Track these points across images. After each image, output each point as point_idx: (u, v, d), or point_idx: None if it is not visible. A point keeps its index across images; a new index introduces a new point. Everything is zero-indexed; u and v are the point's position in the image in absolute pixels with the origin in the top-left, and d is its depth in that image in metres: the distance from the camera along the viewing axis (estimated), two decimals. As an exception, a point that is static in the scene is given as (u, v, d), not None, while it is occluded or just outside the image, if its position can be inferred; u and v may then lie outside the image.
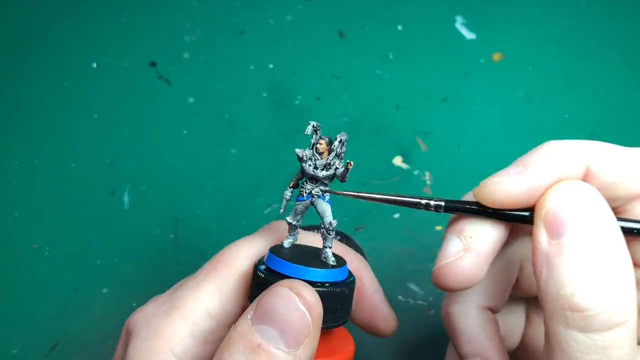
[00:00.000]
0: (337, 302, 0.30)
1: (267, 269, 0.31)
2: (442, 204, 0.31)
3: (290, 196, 0.32)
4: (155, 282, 0.52)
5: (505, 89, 0.63)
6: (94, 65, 0.63)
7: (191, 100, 0.62)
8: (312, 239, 0.36)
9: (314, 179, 0.32)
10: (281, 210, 0.32)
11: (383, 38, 0.65)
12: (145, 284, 0.53)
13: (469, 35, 0.65)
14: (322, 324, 0.28)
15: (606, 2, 0.67)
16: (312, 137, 0.32)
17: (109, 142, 0.59)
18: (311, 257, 0.32)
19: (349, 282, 0.32)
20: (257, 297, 0.28)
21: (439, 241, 0.54)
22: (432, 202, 0.32)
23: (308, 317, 0.27)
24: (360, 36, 0.65)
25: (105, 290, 0.52)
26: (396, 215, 0.55)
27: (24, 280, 0.53)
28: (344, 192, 0.33)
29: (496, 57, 0.64)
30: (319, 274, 0.30)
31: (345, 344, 0.33)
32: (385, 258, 0.52)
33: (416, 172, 0.58)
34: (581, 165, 0.30)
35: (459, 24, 0.66)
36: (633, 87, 0.63)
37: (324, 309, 0.28)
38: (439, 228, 0.55)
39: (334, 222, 0.32)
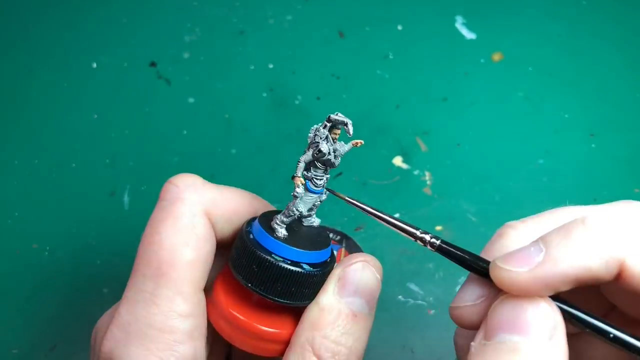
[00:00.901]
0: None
1: (262, 246, 0.32)
2: (437, 242, 0.31)
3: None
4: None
5: (505, 89, 0.63)
6: (94, 65, 0.63)
7: (191, 100, 0.62)
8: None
9: (326, 170, 0.33)
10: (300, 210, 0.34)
11: (383, 38, 0.65)
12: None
13: (469, 35, 0.65)
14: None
15: (606, 2, 0.67)
16: (323, 130, 0.32)
17: (109, 142, 0.59)
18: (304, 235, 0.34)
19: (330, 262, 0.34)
20: (334, 274, 0.32)
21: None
22: (427, 237, 0.31)
23: (380, 283, 0.33)
24: (360, 36, 0.65)
25: (105, 290, 0.52)
26: (396, 215, 0.55)
27: (24, 280, 0.53)
28: (346, 198, 0.33)
29: (496, 57, 0.64)
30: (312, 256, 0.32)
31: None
32: (385, 258, 0.52)
33: (416, 172, 0.58)
34: (613, 266, 0.25)
35: (459, 24, 0.66)
36: (633, 87, 0.63)
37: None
38: (439, 228, 0.55)
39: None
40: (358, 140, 0.32)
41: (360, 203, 0.33)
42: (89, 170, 0.58)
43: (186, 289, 0.32)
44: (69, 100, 0.61)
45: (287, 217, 0.33)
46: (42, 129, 0.60)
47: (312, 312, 0.31)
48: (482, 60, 0.64)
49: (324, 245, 0.33)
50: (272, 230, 0.32)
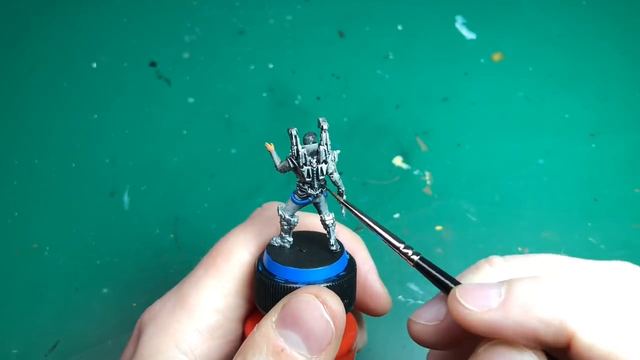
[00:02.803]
0: (341, 293, 0.30)
1: (270, 273, 0.31)
2: (416, 258, 0.30)
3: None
4: (155, 282, 0.52)
5: (505, 89, 0.63)
6: (94, 65, 0.63)
7: (191, 100, 0.62)
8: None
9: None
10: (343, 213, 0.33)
11: (383, 38, 0.65)
12: (145, 284, 0.53)
13: (469, 35, 0.65)
14: None
15: (606, 2, 0.67)
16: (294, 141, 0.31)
17: (109, 142, 0.59)
18: (309, 250, 0.33)
19: (350, 271, 0.32)
20: (281, 301, 0.29)
21: (439, 241, 0.54)
22: (409, 252, 0.30)
23: (332, 326, 0.28)
24: (360, 36, 0.65)
25: (105, 290, 0.52)
26: (396, 215, 0.55)
27: (24, 280, 0.53)
28: (342, 200, 0.33)
29: (496, 57, 0.64)
30: (321, 273, 0.31)
31: (348, 330, 0.33)
32: (385, 258, 0.52)
33: (416, 172, 0.58)
34: (562, 336, 0.24)
35: (459, 24, 0.66)
36: (633, 87, 0.63)
37: None
38: (439, 228, 0.55)
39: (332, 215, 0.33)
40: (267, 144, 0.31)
41: (354, 208, 0.32)
42: (89, 170, 0.58)
43: (229, 286, 0.34)
44: (69, 100, 0.62)
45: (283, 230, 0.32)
46: (42, 129, 0.60)
47: (253, 331, 0.29)
48: (482, 60, 0.64)
49: (337, 256, 0.32)
50: (279, 255, 0.32)
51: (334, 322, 0.28)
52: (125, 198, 0.57)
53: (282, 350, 0.27)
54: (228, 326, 0.34)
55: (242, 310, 0.35)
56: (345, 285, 0.31)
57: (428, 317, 0.29)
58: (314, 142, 0.31)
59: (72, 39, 0.65)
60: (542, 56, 0.64)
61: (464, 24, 0.66)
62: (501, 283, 0.26)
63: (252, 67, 0.63)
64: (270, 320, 0.28)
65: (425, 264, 0.30)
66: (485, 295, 0.25)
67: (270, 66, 0.64)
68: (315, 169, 0.31)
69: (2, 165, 0.58)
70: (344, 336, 0.30)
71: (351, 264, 0.33)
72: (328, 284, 0.30)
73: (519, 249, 0.54)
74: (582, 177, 0.58)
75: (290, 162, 0.31)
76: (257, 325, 0.29)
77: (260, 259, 0.33)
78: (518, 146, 0.60)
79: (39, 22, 0.65)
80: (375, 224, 0.32)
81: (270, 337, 0.27)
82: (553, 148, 0.59)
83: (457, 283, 0.29)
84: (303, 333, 0.28)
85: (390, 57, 0.64)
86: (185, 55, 0.64)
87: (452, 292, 0.27)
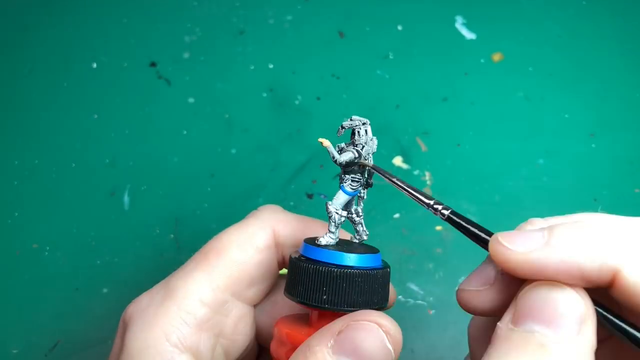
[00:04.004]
0: (380, 284, 0.31)
1: (307, 259, 0.31)
2: (447, 212, 0.31)
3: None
4: (155, 282, 0.52)
5: (505, 89, 0.63)
6: (94, 65, 0.63)
7: (191, 100, 0.62)
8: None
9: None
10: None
11: (383, 38, 0.65)
12: (145, 284, 0.52)
13: (469, 35, 0.65)
14: (370, 307, 0.29)
15: (606, 2, 0.67)
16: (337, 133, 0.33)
17: (109, 142, 0.60)
18: (346, 243, 0.33)
19: (386, 265, 0.33)
20: (336, 324, 0.27)
21: (439, 241, 0.54)
22: (440, 207, 0.31)
23: (392, 355, 0.27)
24: (360, 36, 0.65)
25: (105, 290, 0.52)
26: (396, 215, 0.55)
27: (24, 280, 0.53)
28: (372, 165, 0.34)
29: (496, 57, 0.64)
30: (371, 259, 0.31)
31: None
32: (386, 258, 0.52)
33: (416, 172, 0.58)
34: (607, 273, 0.25)
35: (459, 24, 0.66)
36: (633, 87, 0.63)
37: (370, 292, 0.29)
38: (439, 228, 0.55)
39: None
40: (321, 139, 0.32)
41: (383, 171, 0.33)
42: (89, 170, 0.58)
43: (218, 281, 0.34)
44: (69, 100, 0.62)
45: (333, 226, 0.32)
46: (42, 129, 0.60)
47: (306, 353, 0.27)
48: (482, 60, 0.64)
49: (373, 250, 0.32)
50: (315, 241, 0.32)
51: (394, 350, 0.27)
52: (125, 198, 0.57)
53: None
54: (217, 320, 0.34)
55: (232, 307, 0.35)
56: (382, 280, 0.31)
57: (477, 283, 0.29)
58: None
59: (72, 39, 0.65)
60: (542, 56, 0.64)
61: (464, 24, 0.66)
62: (543, 228, 0.26)
63: (252, 67, 0.63)
64: (325, 345, 0.27)
65: (457, 217, 0.31)
66: (528, 237, 0.26)
67: (270, 66, 0.64)
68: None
69: (2, 165, 0.58)
70: None
71: (385, 263, 0.33)
72: (368, 271, 0.30)
73: (519, 249, 0.54)
74: (582, 177, 0.58)
75: (357, 153, 0.33)
76: (307, 345, 0.27)
77: (298, 252, 0.33)
78: (518, 146, 0.60)
79: (39, 22, 0.65)
80: (403, 183, 0.33)
81: None
82: (553, 148, 0.59)
83: (489, 233, 0.29)
84: None
85: (390, 57, 0.64)
86: (185, 55, 0.64)
87: (493, 237, 0.27)
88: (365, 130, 0.33)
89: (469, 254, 0.52)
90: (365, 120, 0.33)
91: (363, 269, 0.30)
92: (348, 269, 0.29)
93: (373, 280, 0.30)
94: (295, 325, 0.32)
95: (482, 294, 0.29)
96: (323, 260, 0.30)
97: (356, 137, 0.33)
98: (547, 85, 0.63)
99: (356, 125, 0.33)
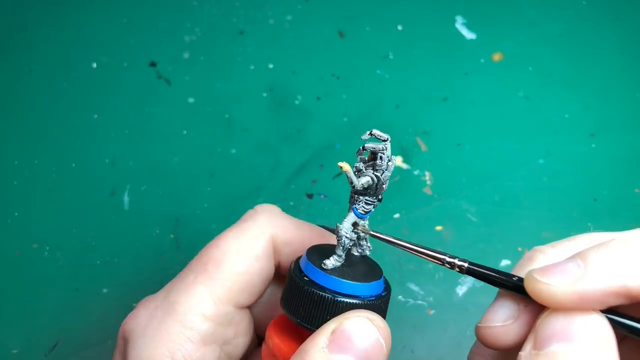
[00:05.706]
0: (382, 310, 0.31)
1: (311, 281, 0.30)
2: (465, 265, 0.30)
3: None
4: (155, 282, 0.52)
5: (505, 89, 0.63)
6: (94, 65, 0.63)
7: (191, 100, 0.62)
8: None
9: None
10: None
11: (383, 38, 0.65)
12: (145, 284, 0.53)
13: (469, 35, 0.65)
14: None
15: (606, 2, 0.67)
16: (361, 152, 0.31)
17: (109, 142, 0.59)
18: (349, 264, 0.32)
19: (389, 291, 0.32)
20: (329, 325, 0.28)
21: (439, 241, 0.54)
22: (456, 262, 0.30)
23: (385, 349, 0.28)
24: (360, 36, 0.65)
25: (105, 290, 0.52)
26: (396, 215, 0.55)
27: (24, 280, 0.53)
28: (373, 233, 0.32)
29: (496, 57, 0.64)
30: (371, 288, 0.30)
31: None
32: (386, 258, 0.52)
33: (416, 172, 0.58)
34: None
35: (459, 24, 0.66)
36: (633, 87, 0.63)
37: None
38: (439, 228, 0.55)
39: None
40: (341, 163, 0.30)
41: (387, 236, 0.32)
42: (89, 170, 0.58)
43: (220, 293, 0.33)
44: (69, 100, 0.62)
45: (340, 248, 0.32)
46: (42, 129, 0.60)
47: (302, 355, 0.28)
48: (482, 60, 0.64)
49: (377, 276, 0.32)
50: (321, 263, 0.31)
51: (386, 344, 0.28)
52: (125, 198, 0.57)
53: None
54: (220, 332, 0.33)
55: (234, 317, 0.34)
56: (384, 306, 0.31)
57: (501, 318, 0.29)
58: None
59: (71, 39, 0.65)
60: (542, 56, 0.64)
61: (464, 24, 0.66)
62: (572, 256, 0.26)
63: (252, 67, 0.63)
64: (320, 344, 0.27)
65: (477, 267, 0.30)
66: (563, 270, 0.26)
67: (270, 66, 0.64)
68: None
69: (2, 165, 0.58)
70: None
71: (387, 284, 0.33)
72: (373, 301, 0.30)
73: (519, 249, 0.54)
74: (582, 177, 0.58)
75: (376, 178, 0.31)
76: (302, 350, 0.28)
77: (300, 266, 0.32)
78: (518, 146, 0.60)
79: (39, 22, 0.65)
80: (411, 244, 0.32)
81: None
82: (553, 148, 0.59)
83: (513, 276, 0.29)
84: (359, 356, 0.27)
85: (390, 57, 0.64)
86: (185, 55, 0.64)
87: (528, 275, 0.27)
88: (385, 151, 0.31)
89: (469, 254, 0.52)
90: (385, 136, 0.30)
91: (369, 300, 0.30)
92: (354, 299, 0.29)
93: (377, 310, 0.30)
94: (286, 336, 0.32)
95: (509, 329, 0.29)
96: (329, 287, 0.30)
97: (378, 161, 0.31)
98: (547, 85, 0.63)
99: (380, 150, 0.31)
